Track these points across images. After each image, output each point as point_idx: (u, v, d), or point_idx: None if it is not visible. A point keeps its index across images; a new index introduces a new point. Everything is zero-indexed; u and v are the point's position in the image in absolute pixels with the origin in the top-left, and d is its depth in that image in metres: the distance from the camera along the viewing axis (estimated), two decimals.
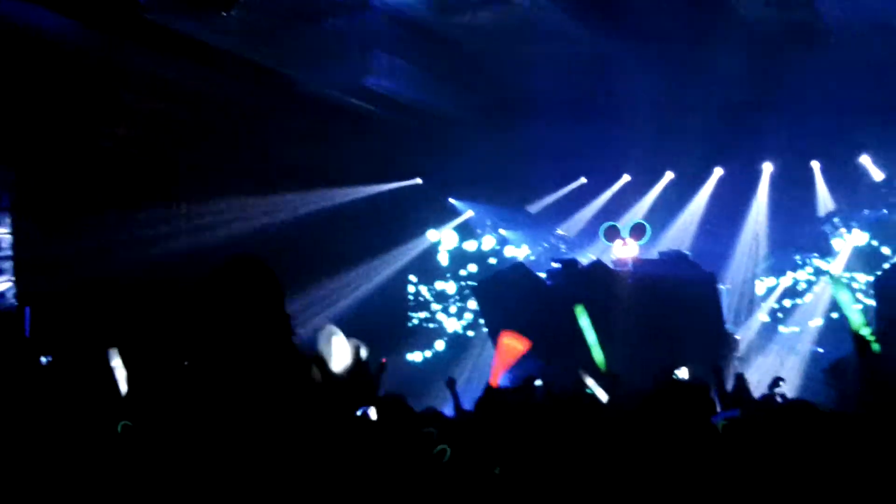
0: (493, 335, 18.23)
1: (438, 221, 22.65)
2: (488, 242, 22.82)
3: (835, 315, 19.40)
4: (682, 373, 14.19)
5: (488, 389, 8.23)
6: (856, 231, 20.04)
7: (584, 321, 16.19)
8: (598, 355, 16.11)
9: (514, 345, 12.04)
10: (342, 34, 17.61)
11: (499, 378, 10.26)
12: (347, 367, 3.36)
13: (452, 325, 22.67)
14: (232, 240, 17.77)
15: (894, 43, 16.73)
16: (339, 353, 3.35)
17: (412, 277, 22.83)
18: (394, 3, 17.04)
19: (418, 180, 22.27)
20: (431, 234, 22.10)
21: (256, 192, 18.94)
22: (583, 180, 22.76)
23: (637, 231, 19.19)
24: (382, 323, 19.85)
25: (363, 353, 3.45)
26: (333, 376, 3.35)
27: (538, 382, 11.76)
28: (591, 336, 16.22)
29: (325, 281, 19.96)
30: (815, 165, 20.78)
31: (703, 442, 5.33)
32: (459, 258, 22.81)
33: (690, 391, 5.68)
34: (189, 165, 17.63)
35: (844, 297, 13.50)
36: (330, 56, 17.77)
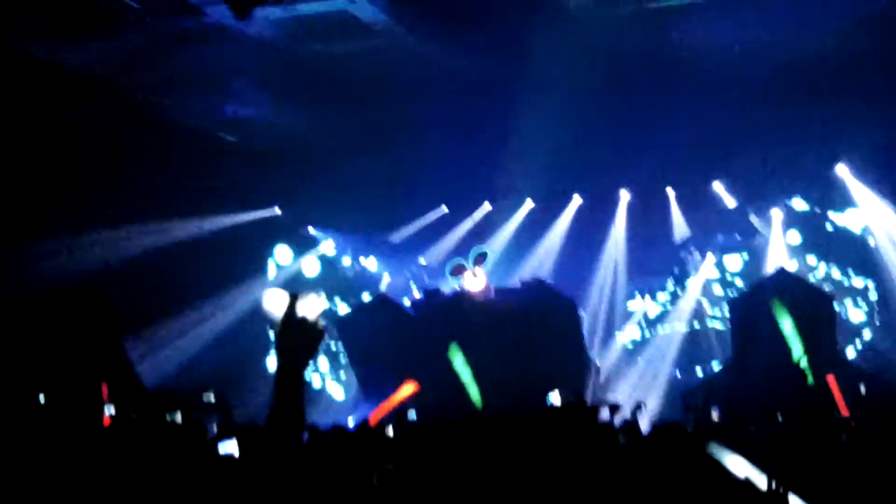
0: (357, 368, 17.97)
1: (299, 250, 22.24)
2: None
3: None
4: (555, 397, 14.20)
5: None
6: (709, 256, 20.48)
7: (459, 360, 16.15)
8: (473, 392, 16.09)
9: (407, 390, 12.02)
10: (204, 62, 17.22)
11: (379, 416, 10.02)
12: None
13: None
14: (85, 272, 17.06)
15: (745, 71, 17.16)
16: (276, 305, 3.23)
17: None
18: (255, 33, 16.72)
19: (276, 210, 21.85)
20: (280, 250, 21.60)
21: (113, 223, 18.30)
22: (444, 209, 22.71)
23: (479, 259, 19.21)
24: (239, 359, 19.41)
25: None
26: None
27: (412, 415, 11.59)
28: (465, 374, 16.20)
29: (184, 312, 19.39)
30: (671, 192, 21.18)
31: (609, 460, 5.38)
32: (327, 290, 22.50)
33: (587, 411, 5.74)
34: (43, 194, 16.93)
35: (787, 327, 13.80)
36: (192, 84, 17.39)
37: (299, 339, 3.25)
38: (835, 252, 19.14)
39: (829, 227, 19.35)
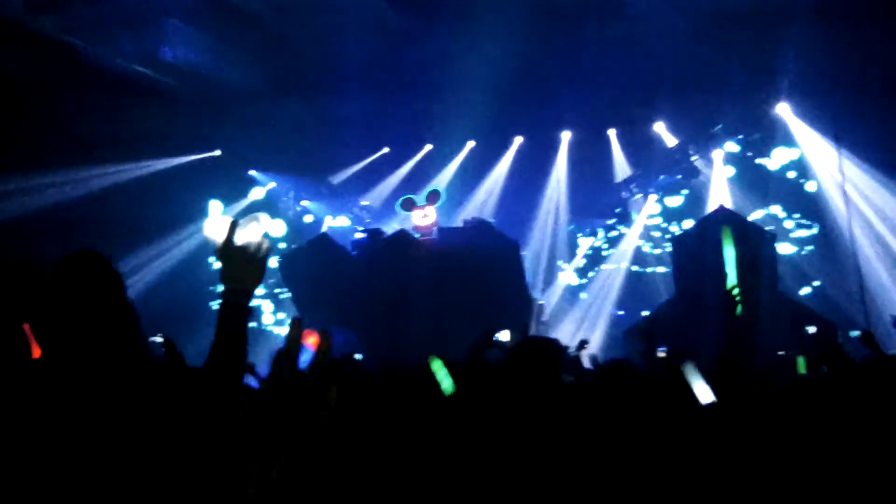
0: (301, 308, 17.87)
1: (239, 193, 22.02)
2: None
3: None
4: (504, 336, 14.20)
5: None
6: (651, 196, 20.60)
7: (439, 369, 16.09)
8: (447, 386, 16.09)
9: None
10: (134, 3, 16.84)
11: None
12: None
13: (263, 305, 22.12)
14: (25, 217, 17.03)
15: (684, 14, 17.17)
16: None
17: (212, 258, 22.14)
18: None
19: (217, 152, 21.58)
20: (214, 206, 21.35)
21: (51, 167, 18.02)
22: (385, 150, 22.59)
23: (432, 197, 19.12)
24: (184, 301, 19.25)
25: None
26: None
27: (358, 356, 11.49)
28: (447, 383, 16.15)
29: (130, 255, 19.32)
30: (612, 133, 21.24)
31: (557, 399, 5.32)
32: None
33: (545, 346, 5.68)
34: None
35: (729, 253, 13.86)
36: (122, 26, 17.00)
37: (243, 264, 3.16)
38: (773, 194, 19.32)
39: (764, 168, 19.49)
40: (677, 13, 17.05)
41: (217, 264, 3.20)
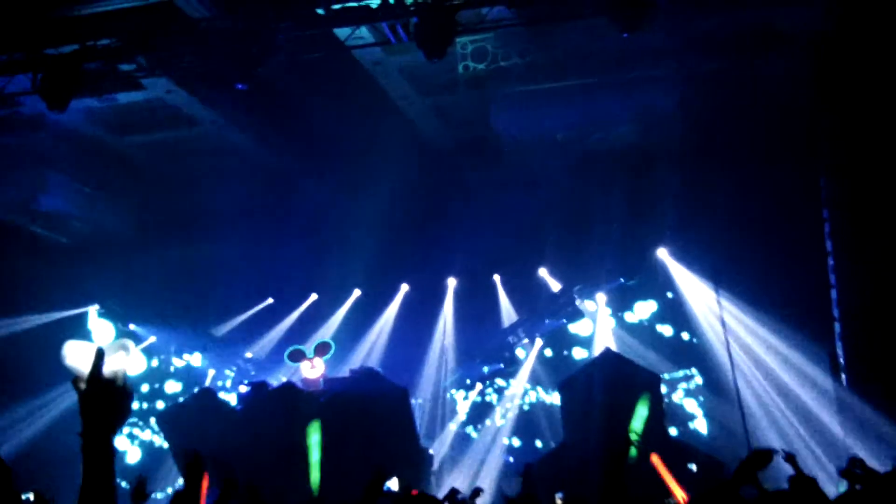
0: (181, 463, 17.26)
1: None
2: None
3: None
4: (394, 484, 13.93)
5: None
6: (538, 340, 20.69)
7: (315, 439, 15.74)
8: (314, 477, 15.67)
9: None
10: (11, 152, 16.62)
11: None
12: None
13: (135, 457, 21.34)
14: None
15: (564, 160, 17.65)
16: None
17: None
18: (70, 121, 16.26)
19: (95, 306, 21.05)
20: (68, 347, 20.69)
21: None
22: (270, 301, 22.38)
23: (321, 349, 19.10)
24: (62, 456, 18.56)
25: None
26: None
27: None
28: (315, 455, 15.78)
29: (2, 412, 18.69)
30: (497, 279, 21.43)
31: None
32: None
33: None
34: None
35: (641, 413, 14.05)
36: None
37: (107, 399, 2.93)
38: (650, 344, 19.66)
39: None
40: (551, 157, 17.50)
41: (79, 397, 2.96)
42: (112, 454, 2.95)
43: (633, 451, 13.54)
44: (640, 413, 14.80)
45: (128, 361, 2.97)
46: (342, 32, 13.89)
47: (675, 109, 15.96)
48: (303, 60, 14.46)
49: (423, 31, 12.76)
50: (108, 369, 2.92)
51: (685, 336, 19.39)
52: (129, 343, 3.04)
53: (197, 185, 19.28)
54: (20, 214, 17.79)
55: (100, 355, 2.89)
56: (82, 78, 13.84)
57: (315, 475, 15.03)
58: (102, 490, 2.91)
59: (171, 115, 16.91)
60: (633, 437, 13.57)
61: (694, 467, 14.88)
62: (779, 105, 15.68)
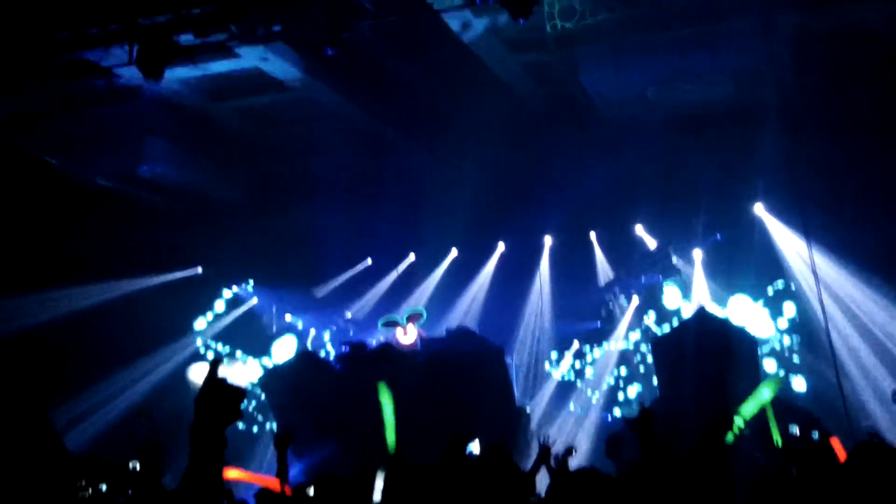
0: (282, 421, 17.70)
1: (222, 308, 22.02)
2: None
3: (614, 382, 19.97)
4: (475, 447, 14.09)
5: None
6: (634, 298, 20.58)
7: (386, 398, 16.01)
8: (390, 437, 15.92)
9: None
10: (114, 122, 17.09)
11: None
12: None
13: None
14: (15, 335, 17.12)
15: (655, 115, 17.47)
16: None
17: None
18: (167, 90, 16.66)
19: (198, 269, 21.67)
20: (199, 324, 21.26)
21: (31, 288, 18.01)
22: (368, 262, 22.65)
23: (413, 318, 19.38)
24: (168, 421, 19.09)
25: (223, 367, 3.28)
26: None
27: None
28: (389, 415, 16.05)
29: (110, 377, 19.28)
30: (593, 236, 21.34)
31: None
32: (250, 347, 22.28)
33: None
34: None
35: (766, 394, 13.73)
36: (102, 145, 17.23)
37: (219, 400, 3.16)
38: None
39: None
40: (643, 113, 17.34)
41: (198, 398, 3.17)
42: (222, 446, 3.15)
43: (729, 436, 13.33)
44: (761, 396, 14.36)
45: (241, 371, 3.25)
46: None
47: (764, 65, 15.65)
48: (392, 24, 14.55)
49: None
50: (224, 375, 3.16)
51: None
52: (247, 360, 3.36)
53: (294, 152, 19.62)
54: (125, 181, 18.28)
55: (216, 362, 3.14)
56: (176, 48, 14.18)
57: (392, 436, 15.24)
58: (205, 478, 3.11)
59: (266, 83, 17.16)
60: (740, 421, 13.29)
61: (797, 430, 14.56)
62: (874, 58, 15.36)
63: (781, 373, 18.07)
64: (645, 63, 15.82)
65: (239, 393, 3.20)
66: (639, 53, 15.53)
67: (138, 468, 14.79)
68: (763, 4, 14.28)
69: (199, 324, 21.16)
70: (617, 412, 19.43)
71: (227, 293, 22.03)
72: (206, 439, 3.18)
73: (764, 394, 14.25)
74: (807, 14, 15.04)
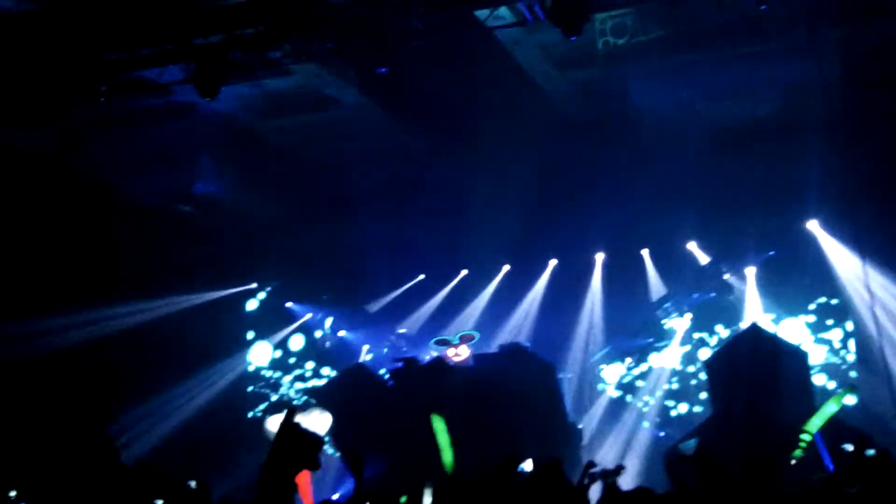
0: (337, 440, 17.79)
1: (277, 324, 22.28)
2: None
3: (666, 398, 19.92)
4: (528, 465, 14.06)
5: None
6: (687, 315, 20.49)
7: (439, 426, 16.02)
8: (447, 457, 15.93)
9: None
10: (166, 141, 17.37)
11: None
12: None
13: None
14: (71, 351, 17.45)
15: (698, 130, 17.46)
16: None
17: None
18: (219, 108, 16.91)
19: (254, 284, 21.96)
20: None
21: (90, 305, 18.33)
22: (421, 277, 22.75)
23: (466, 339, 19.47)
24: (225, 430, 19.46)
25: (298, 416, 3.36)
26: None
27: None
28: (444, 438, 16.06)
29: (169, 388, 19.66)
30: (645, 253, 21.26)
31: None
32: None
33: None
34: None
35: (833, 408, 13.64)
36: (156, 163, 17.51)
37: (294, 447, 3.17)
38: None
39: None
40: (696, 129, 17.30)
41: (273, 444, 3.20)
42: (291, 491, 3.19)
43: (797, 451, 13.20)
44: (827, 410, 14.19)
45: (318, 419, 3.31)
46: (481, 14, 14.06)
47: (813, 79, 15.58)
48: (438, 42, 14.68)
49: (559, 9, 12.87)
50: (303, 424, 3.20)
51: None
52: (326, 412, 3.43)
53: (340, 168, 19.78)
54: (177, 200, 18.57)
55: (292, 409, 3.19)
56: (231, 66, 14.42)
57: (448, 454, 15.26)
58: None
59: (319, 99, 17.38)
60: (807, 437, 13.12)
61: (850, 447, 14.35)
62: None
63: (831, 386, 17.93)
64: (694, 78, 15.85)
65: (316, 441, 3.19)
66: (688, 68, 15.54)
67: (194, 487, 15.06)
68: (809, 19, 14.23)
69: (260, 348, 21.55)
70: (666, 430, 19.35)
71: (281, 308, 22.31)
72: (276, 487, 3.16)
73: (830, 408, 14.10)
74: (853, 28, 14.97)
